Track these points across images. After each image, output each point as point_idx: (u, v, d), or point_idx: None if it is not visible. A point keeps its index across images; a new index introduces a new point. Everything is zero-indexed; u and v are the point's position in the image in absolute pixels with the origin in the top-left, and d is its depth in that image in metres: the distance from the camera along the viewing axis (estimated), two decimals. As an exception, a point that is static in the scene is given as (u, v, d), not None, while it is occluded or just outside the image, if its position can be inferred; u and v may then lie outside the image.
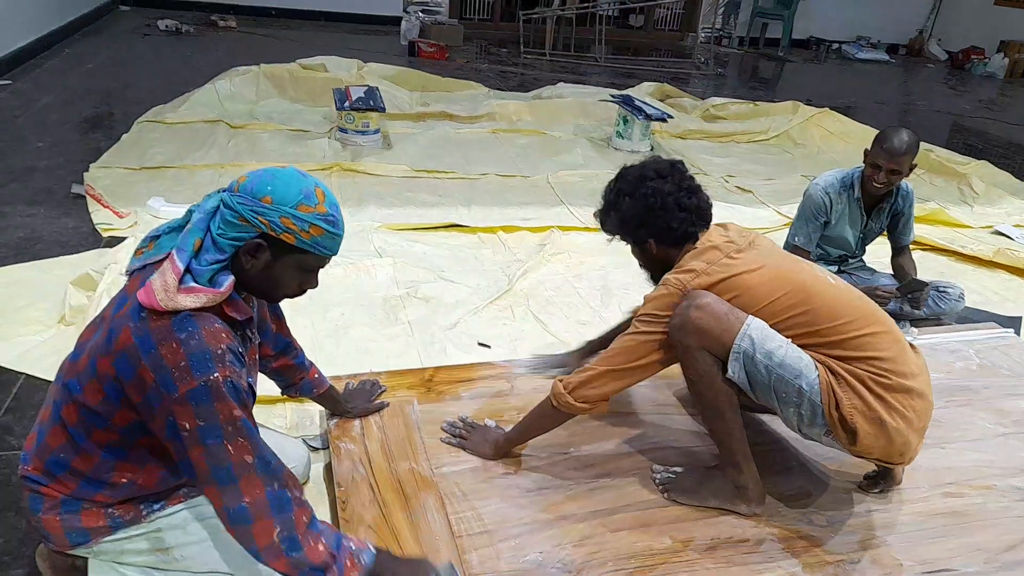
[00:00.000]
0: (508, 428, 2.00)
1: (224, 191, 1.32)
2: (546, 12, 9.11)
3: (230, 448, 1.26)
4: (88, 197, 3.68)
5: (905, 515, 1.89)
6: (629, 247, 1.93)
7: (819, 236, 3.04)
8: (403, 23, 9.02)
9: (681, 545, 1.72)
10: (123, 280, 1.42)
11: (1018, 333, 2.96)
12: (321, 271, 1.42)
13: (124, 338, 1.25)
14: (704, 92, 7.62)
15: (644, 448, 2.05)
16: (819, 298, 1.69)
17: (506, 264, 3.44)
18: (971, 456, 2.13)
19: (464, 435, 2.00)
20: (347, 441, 1.95)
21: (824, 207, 2.96)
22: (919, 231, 3.77)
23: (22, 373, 2.37)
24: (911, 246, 3.15)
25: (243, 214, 1.26)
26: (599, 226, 1.94)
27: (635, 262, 1.96)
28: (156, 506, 1.46)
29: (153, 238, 1.39)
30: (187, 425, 1.23)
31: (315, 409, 2.21)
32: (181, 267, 1.25)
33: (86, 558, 1.49)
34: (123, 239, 3.19)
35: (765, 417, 2.16)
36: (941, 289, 3.01)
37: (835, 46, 11.79)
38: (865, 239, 3.14)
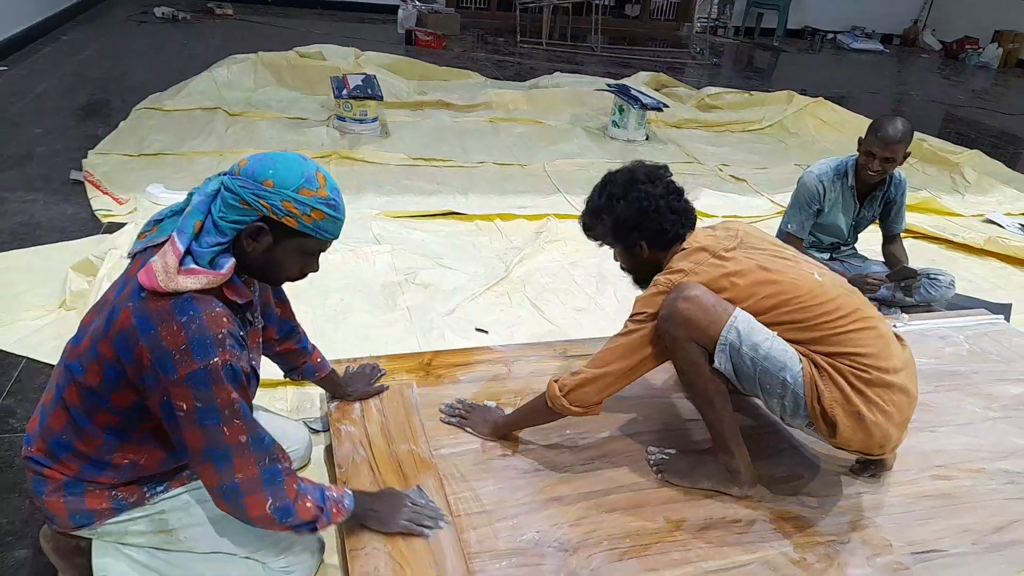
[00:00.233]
0: (506, 410, 2.03)
1: (225, 174, 1.33)
2: (543, 1, 9.08)
3: (226, 430, 1.28)
4: (87, 183, 3.69)
5: (895, 497, 1.92)
6: (613, 251, 1.95)
7: (812, 224, 3.07)
8: (400, 12, 9.00)
9: (674, 525, 1.75)
10: (124, 265, 1.44)
11: (1008, 320, 3.00)
12: (321, 256, 1.44)
13: (123, 318, 1.26)
14: (699, 81, 7.63)
15: (639, 431, 2.08)
16: (804, 295, 1.71)
17: (503, 251, 3.47)
18: (960, 440, 2.16)
19: (464, 415, 2.03)
20: (347, 423, 1.97)
21: (817, 195, 2.99)
22: (911, 219, 3.81)
23: (23, 357, 2.39)
24: (902, 234, 3.18)
25: (244, 197, 1.27)
26: (585, 232, 1.95)
27: None
28: (159, 488, 1.48)
29: (156, 221, 1.40)
30: (184, 406, 1.25)
31: (315, 392, 2.24)
32: (182, 249, 1.26)
33: (90, 539, 1.51)
34: (122, 225, 3.20)
35: (757, 401, 2.20)
36: (932, 276, 3.04)
37: (830, 36, 11.81)
38: (857, 227, 3.17)
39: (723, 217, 4.03)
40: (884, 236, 3.18)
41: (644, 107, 5.31)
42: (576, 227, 3.49)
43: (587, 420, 2.08)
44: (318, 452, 2.04)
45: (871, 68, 10.09)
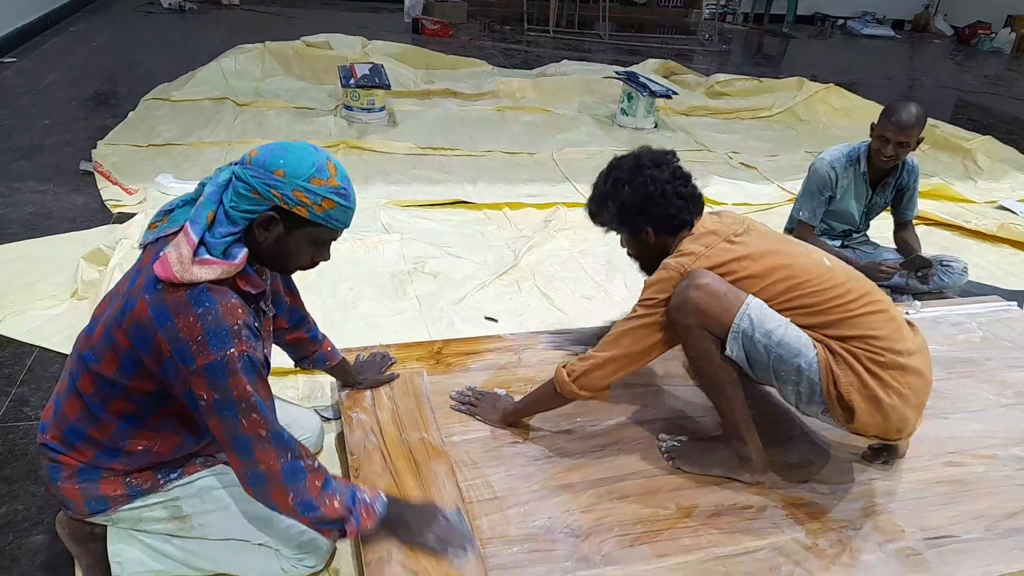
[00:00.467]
0: (516, 398, 2.03)
1: (236, 164, 1.32)
2: (550, -11, 9.06)
3: (244, 422, 1.29)
4: (97, 174, 3.70)
5: (907, 483, 1.92)
6: (620, 238, 1.94)
7: (824, 211, 3.05)
8: (406, 0, 8.97)
9: (685, 512, 1.76)
10: (136, 254, 1.44)
11: (1021, 307, 2.98)
12: (330, 250, 1.44)
13: (139, 310, 1.27)
14: (708, 69, 7.58)
15: (650, 418, 2.08)
16: (815, 279, 1.70)
17: (512, 240, 3.46)
18: (973, 426, 2.15)
19: (474, 403, 2.04)
20: (359, 411, 1.98)
21: (830, 182, 2.97)
22: (923, 206, 3.77)
23: (36, 346, 2.40)
24: (914, 221, 3.16)
25: (256, 187, 1.27)
26: (591, 218, 1.93)
27: None
28: (173, 475, 1.49)
29: (167, 212, 1.40)
30: (204, 396, 1.27)
31: (326, 380, 2.25)
32: (195, 239, 1.26)
33: (105, 526, 1.52)
34: (132, 215, 3.21)
35: (769, 388, 2.19)
36: (945, 263, 3.02)
37: (840, 22, 11.71)
38: (869, 214, 3.15)
39: (733, 205, 4.01)
40: (896, 223, 3.16)
41: (653, 94, 5.28)
42: (585, 215, 3.47)
43: (598, 407, 2.09)
44: (330, 440, 2.05)
45: (882, 54, 10.00)
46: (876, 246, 3.25)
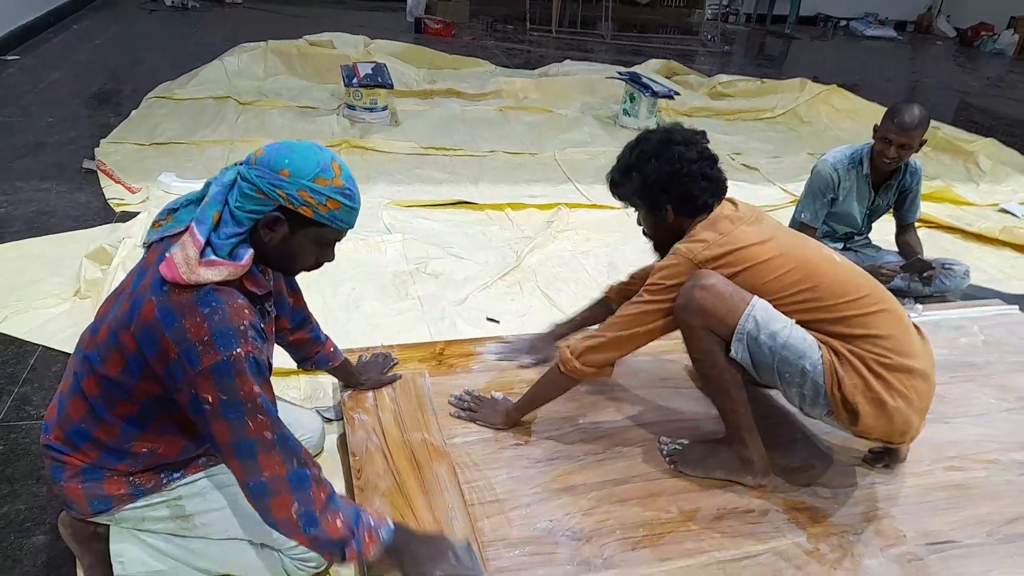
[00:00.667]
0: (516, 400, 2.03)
1: (242, 164, 1.32)
2: (553, -12, 9.05)
3: (250, 424, 1.28)
4: (100, 172, 3.70)
5: (908, 488, 1.91)
6: (637, 214, 1.91)
7: (826, 213, 3.05)
8: (409, 0, 8.96)
9: (688, 515, 1.76)
10: (139, 253, 1.44)
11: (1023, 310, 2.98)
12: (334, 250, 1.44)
13: (147, 312, 1.26)
14: (711, 69, 7.57)
15: (651, 420, 2.08)
16: (824, 275, 1.69)
17: (514, 240, 3.47)
18: (975, 431, 2.15)
19: (473, 407, 2.03)
20: (361, 412, 1.98)
21: (832, 183, 2.97)
22: (925, 208, 3.76)
23: (38, 345, 2.41)
24: (916, 224, 3.16)
25: (261, 187, 1.27)
26: (611, 188, 1.89)
27: (642, 238, 1.95)
28: (176, 475, 1.49)
29: (171, 211, 1.40)
30: (210, 398, 1.25)
31: (328, 381, 2.25)
32: (202, 240, 1.26)
33: (107, 525, 1.52)
34: (135, 214, 3.21)
35: (771, 391, 2.19)
36: (947, 266, 3.02)
37: (843, 23, 11.70)
38: (872, 216, 3.15)
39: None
40: (898, 225, 3.16)
41: (655, 95, 5.28)
42: (588, 216, 3.44)
43: (599, 409, 2.09)
44: (331, 441, 2.05)
45: (884, 55, 9.99)
46: (878, 249, 3.25)
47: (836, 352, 1.66)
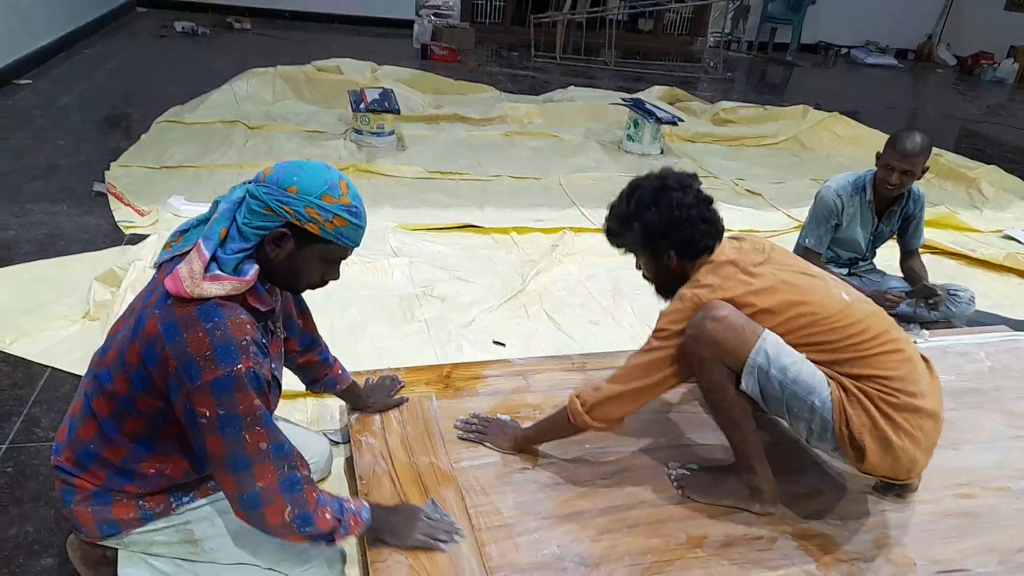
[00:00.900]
0: (524, 424, 2.03)
1: (250, 182, 1.35)
2: (557, 16, 9.15)
3: (247, 437, 1.30)
4: (109, 195, 3.73)
5: (918, 516, 1.90)
6: (636, 260, 1.92)
7: (830, 239, 3.06)
8: (415, 26, 9.08)
9: (696, 542, 1.75)
10: (148, 276, 1.46)
11: (1029, 337, 2.98)
12: (340, 266, 1.46)
13: (150, 326, 1.28)
14: (713, 96, 7.64)
15: (660, 446, 2.08)
16: (832, 316, 1.69)
17: (519, 264, 3.48)
18: (984, 458, 2.14)
19: (481, 430, 2.03)
20: (368, 435, 1.98)
21: (836, 210, 2.99)
22: (929, 235, 3.78)
23: (48, 366, 2.41)
24: (920, 249, 3.17)
25: (269, 203, 1.30)
26: (609, 238, 1.92)
27: None
28: (185, 498, 1.50)
29: (181, 232, 1.42)
30: (207, 413, 1.27)
31: (334, 404, 2.25)
32: (207, 255, 1.28)
33: (116, 549, 1.52)
34: (145, 236, 3.23)
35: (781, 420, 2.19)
36: (952, 292, 3.03)
37: (844, 51, 11.81)
38: (875, 242, 3.16)
39: (739, 231, 4.02)
40: (902, 251, 3.17)
41: (659, 121, 5.32)
42: (592, 240, 3.45)
43: (607, 435, 2.08)
44: (338, 464, 2.05)
45: (885, 83, 10.07)
46: (883, 274, 3.26)
47: (845, 389, 1.66)
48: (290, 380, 1.89)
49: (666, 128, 5.56)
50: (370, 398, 2.07)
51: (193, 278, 1.26)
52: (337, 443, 2.13)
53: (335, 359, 1.93)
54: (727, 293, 1.71)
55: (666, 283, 1.89)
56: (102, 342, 1.44)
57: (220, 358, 1.25)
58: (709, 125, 6.36)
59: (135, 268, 2.74)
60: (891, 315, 2.75)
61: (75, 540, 1.57)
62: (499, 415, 2.10)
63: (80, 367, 2.21)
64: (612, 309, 3.14)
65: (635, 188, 1.85)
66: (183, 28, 8.31)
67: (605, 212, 1.93)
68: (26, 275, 2.93)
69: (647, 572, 1.65)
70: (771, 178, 5.21)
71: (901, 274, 3.19)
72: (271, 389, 1.40)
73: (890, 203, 3.02)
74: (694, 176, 1.86)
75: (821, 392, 1.65)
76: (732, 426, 1.77)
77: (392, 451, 1.93)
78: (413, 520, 1.64)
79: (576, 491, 1.88)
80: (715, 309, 1.67)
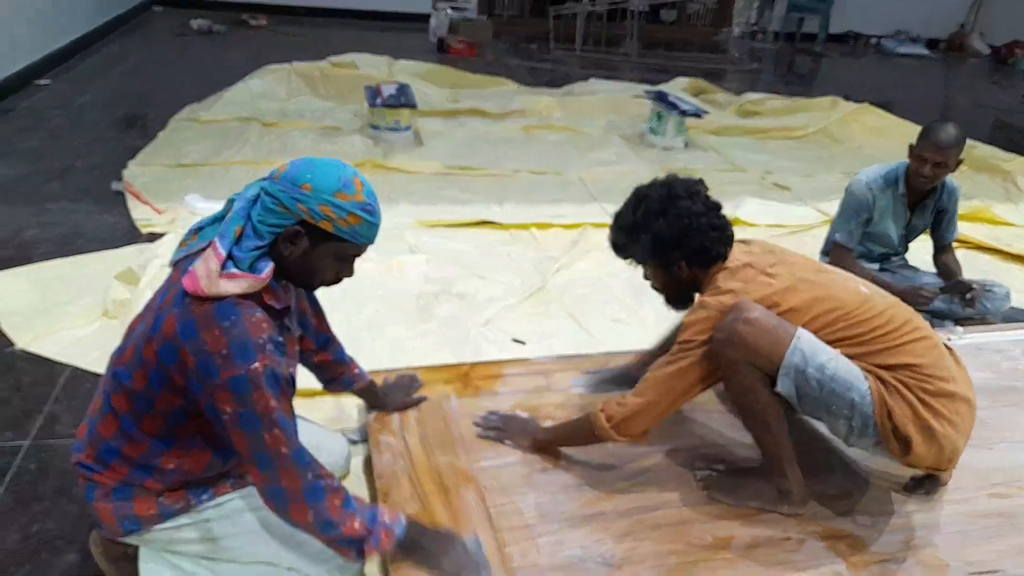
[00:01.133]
0: (545, 422, 2.00)
1: (265, 180, 1.35)
2: (576, 7, 9.06)
3: (267, 437, 1.30)
4: (127, 194, 3.75)
5: (950, 516, 1.85)
6: (643, 271, 1.88)
7: (861, 233, 2.98)
8: (432, 20, 9.03)
9: (721, 543, 1.71)
10: (165, 274, 1.46)
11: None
12: (356, 264, 1.45)
13: (168, 325, 1.29)
14: (739, 87, 7.52)
15: (685, 446, 2.03)
16: (855, 309, 1.66)
17: (539, 261, 3.43)
18: (1019, 457, 2.08)
19: (501, 426, 2.00)
20: (387, 435, 1.96)
21: (867, 203, 2.91)
22: (962, 229, 3.67)
23: (68, 365, 2.42)
24: (954, 244, 3.09)
25: (283, 201, 1.29)
26: (616, 251, 1.87)
27: None
28: (205, 495, 1.50)
29: (197, 230, 1.43)
30: (227, 409, 1.28)
31: (352, 403, 2.23)
32: (223, 253, 1.28)
33: (137, 546, 1.53)
34: (162, 235, 3.24)
35: (808, 419, 2.13)
36: (988, 288, 2.94)
37: (873, 40, 11.58)
38: (908, 236, 3.08)
39: (767, 226, 3.96)
40: (936, 246, 3.09)
41: (683, 113, 5.23)
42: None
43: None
44: (357, 463, 2.03)
45: (917, 73, 9.86)
46: (916, 270, 3.17)
47: (882, 381, 1.62)
48: (308, 379, 1.88)
49: (690, 121, 5.46)
50: (388, 397, 2.06)
51: (210, 277, 1.27)
52: (355, 442, 2.11)
53: (351, 358, 1.91)
54: (751, 296, 1.67)
55: (677, 292, 1.86)
56: (121, 340, 1.45)
57: (237, 356, 1.26)
58: (735, 117, 6.25)
59: (153, 266, 2.75)
60: (925, 312, 2.71)
61: (97, 536, 1.59)
62: (517, 412, 2.07)
63: (99, 365, 2.22)
64: (635, 307, 3.08)
65: (641, 198, 1.80)
66: (199, 26, 8.34)
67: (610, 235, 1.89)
68: (45, 274, 2.95)
69: (672, 573, 1.62)
70: (800, 171, 5.09)
71: (935, 270, 3.10)
72: (289, 388, 1.39)
73: (923, 196, 2.93)
74: (700, 182, 1.82)
75: (860, 387, 1.61)
76: (763, 429, 1.73)
77: (411, 450, 1.91)
78: (448, 546, 1.56)
79: (598, 492, 1.84)
80: (746, 311, 1.62)
